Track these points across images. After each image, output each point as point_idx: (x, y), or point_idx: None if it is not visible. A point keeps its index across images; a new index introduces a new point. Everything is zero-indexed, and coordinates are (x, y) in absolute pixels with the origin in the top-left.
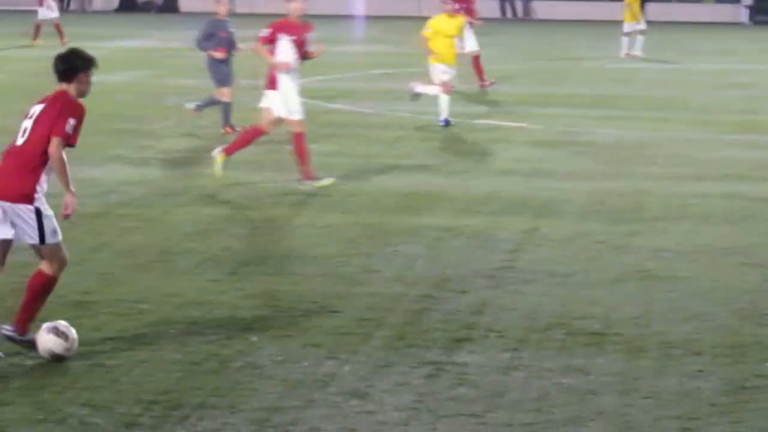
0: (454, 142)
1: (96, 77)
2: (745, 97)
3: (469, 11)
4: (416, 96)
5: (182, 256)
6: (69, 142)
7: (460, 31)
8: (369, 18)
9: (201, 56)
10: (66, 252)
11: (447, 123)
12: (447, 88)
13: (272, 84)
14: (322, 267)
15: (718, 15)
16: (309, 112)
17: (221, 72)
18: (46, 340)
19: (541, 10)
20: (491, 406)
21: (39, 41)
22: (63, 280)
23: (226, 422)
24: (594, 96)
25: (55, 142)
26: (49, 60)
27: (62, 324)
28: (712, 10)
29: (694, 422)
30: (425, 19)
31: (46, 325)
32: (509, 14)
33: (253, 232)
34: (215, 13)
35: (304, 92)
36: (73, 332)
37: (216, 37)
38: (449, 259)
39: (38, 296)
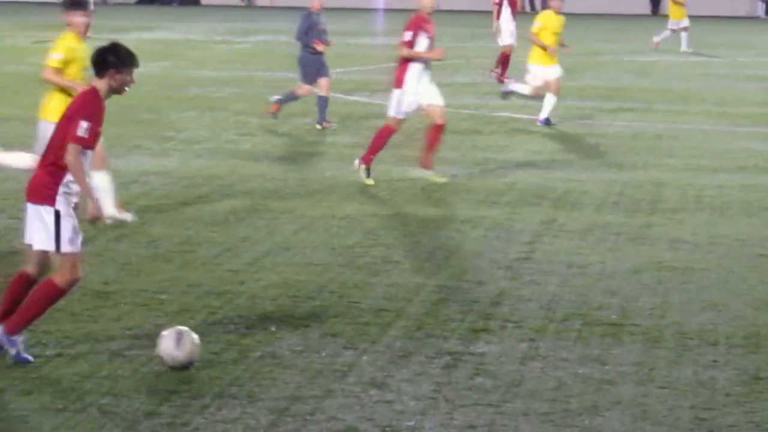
0: (472, 134)
1: None
2: (762, 90)
3: (512, 4)
4: (507, 94)
5: (202, 247)
6: (85, 145)
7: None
8: (387, 11)
9: (223, 49)
10: (81, 269)
11: (547, 122)
12: (555, 86)
13: (399, 82)
14: (342, 257)
15: (735, 9)
16: (330, 104)
17: (311, 66)
18: (176, 365)
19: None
20: (508, 395)
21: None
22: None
23: (245, 412)
24: (611, 88)
25: (69, 149)
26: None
27: (193, 357)
28: (729, 4)
29: (709, 412)
30: (442, 12)
31: (181, 357)
32: (528, 8)
33: (273, 223)
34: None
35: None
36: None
37: (314, 30)
38: (468, 250)
39: (39, 304)
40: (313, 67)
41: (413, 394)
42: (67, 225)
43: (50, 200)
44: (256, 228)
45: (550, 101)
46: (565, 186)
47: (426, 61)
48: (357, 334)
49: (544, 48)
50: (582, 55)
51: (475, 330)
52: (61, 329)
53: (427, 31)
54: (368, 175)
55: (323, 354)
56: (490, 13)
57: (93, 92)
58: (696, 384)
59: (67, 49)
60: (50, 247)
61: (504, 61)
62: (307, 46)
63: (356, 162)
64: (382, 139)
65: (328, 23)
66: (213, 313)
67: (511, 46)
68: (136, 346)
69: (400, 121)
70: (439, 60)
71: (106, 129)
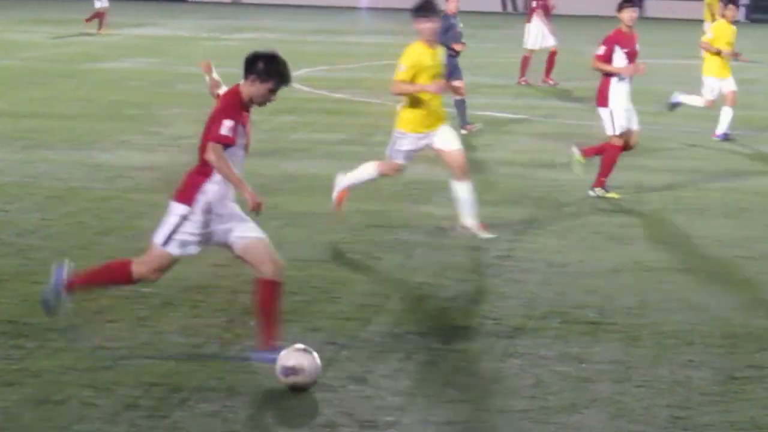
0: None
1: (107, 64)
2: (742, 93)
3: (545, 7)
4: (675, 106)
5: None
6: (228, 143)
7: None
8: (373, 10)
9: (210, 46)
10: (161, 273)
11: (725, 137)
12: (731, 99)
13: (603, 100)
14: (325, 253)
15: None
16: (315, 101)
17: (451, 67)
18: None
19: None
20: (487, 392)
21: (104, 30)
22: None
23: (225, 405)
24: (594, 89)
25: (210, 148)
26: (62, 47)
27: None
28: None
29: (686, 411)
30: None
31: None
32: (510, 8)
33: (258, 218)
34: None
35: (311, 82)
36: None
37: (451, 32)
38: (449, 247)
39: (104, 277)
40: (447, 68)
41: (392, 389)
42: (187, 229)
43: (188, 200)
44: None
45: (727, 115)
46: (547, 185)
47: (627, 77)
48: (338, 330)
49: (718, 53)
50: (566, 55)
51: (454, 327)
52: (42, 321)
53: (624, 46)
54: (608, 191)
55: None
56: (479, 13)
57: (236, 92)
58: (672, 383)
59: (414, 61)
60: (156, 236)
61: (524, 63)
62: (447, 48)
63: (591, 192)
64: (612, 160)
65: (323, 22)
66: (195, 306)
67: (533, 51)
68: (117, 338)
69: (622, 136)
70: (635, 75)
71: (93, 124)
